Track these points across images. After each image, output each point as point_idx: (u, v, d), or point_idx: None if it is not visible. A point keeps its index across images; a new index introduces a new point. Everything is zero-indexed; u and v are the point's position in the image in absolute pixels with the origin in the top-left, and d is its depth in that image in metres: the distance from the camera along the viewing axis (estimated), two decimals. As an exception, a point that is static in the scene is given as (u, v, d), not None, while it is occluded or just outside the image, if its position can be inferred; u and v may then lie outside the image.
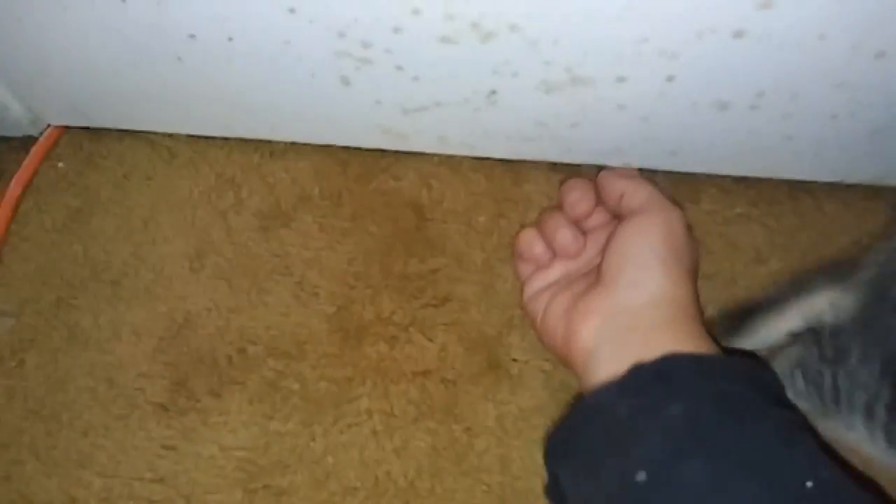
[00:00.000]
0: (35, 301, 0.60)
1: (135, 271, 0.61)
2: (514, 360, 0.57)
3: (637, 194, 0.47)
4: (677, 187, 0.60)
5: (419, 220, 0.60)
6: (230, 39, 0.49)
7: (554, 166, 0.61)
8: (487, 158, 0.61)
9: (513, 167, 0.61)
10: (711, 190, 0.59)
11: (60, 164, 0.64)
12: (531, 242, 0.50)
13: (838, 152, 0.53)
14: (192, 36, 0.49)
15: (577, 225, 0.50)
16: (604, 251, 0.44)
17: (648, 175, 0.54)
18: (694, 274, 0.44)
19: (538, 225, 0.53)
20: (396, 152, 0.62)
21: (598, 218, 0.51)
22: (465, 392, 0.56)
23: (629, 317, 0.38)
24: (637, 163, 0.57)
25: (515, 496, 0.54)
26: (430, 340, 0.57)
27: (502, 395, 0.56)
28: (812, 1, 0.39)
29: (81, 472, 0.55)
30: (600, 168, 0.55)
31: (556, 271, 0.49)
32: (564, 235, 0.47)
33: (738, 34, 0.42)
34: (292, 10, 0.45)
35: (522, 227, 0.55)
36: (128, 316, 0.59)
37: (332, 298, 0.59)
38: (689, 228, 0.45)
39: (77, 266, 0.61)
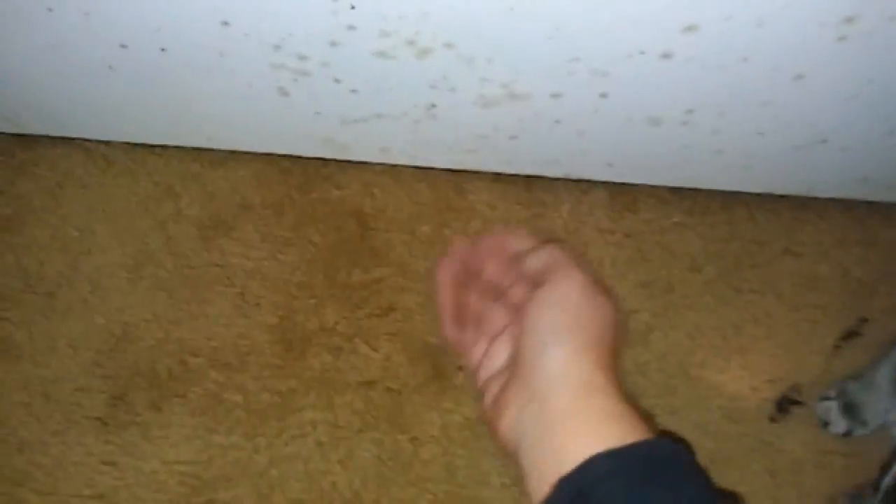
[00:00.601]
0: (-35, 314, 0.58)
1: (70, 282, 0.59)
2: (459, 368, 0.57)
3: (533, 262, 0.42)
4: (615, 198, 0.62)
5: (362, 229, 0.60)
6: (163, 50, 0.48)
7: (497, 176, 0.61)
8: (430, 168, 0.61)
9: (455, 177, 0.62)
10: (649, 200, 0.61)
11: (-10, 172, 0.62)
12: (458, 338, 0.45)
13: (766, 165, 0.55)
14: (124, 46, 0.48)
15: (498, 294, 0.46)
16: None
17: (586, 187, 0.55)
18: (605, 338, 0.39)
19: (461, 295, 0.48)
20: (339, 161, 0.61)
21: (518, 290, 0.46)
22: (409, 401, 0.57)
23: (540, 406, 0.36)
24: (575, 174, 0.58)
25: None
26: (375, 350, 0.58)
27: (447, 404, 0.57)
28: (734, 26, 0.40)
29: (17, 489, 0.54)
30: (538, 178, 0.56)
31: (501, 357, 0.45)
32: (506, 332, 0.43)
33: (666, 55, 0.43)
34: (226, 23, 0.45)
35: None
36: (63, 328, 0.58)
37: (274, 309, 0.58)
38: (596, 285, 0.41)
39: (8, 277, 0.59)
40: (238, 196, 0.61)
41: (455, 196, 0.61)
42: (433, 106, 0.50)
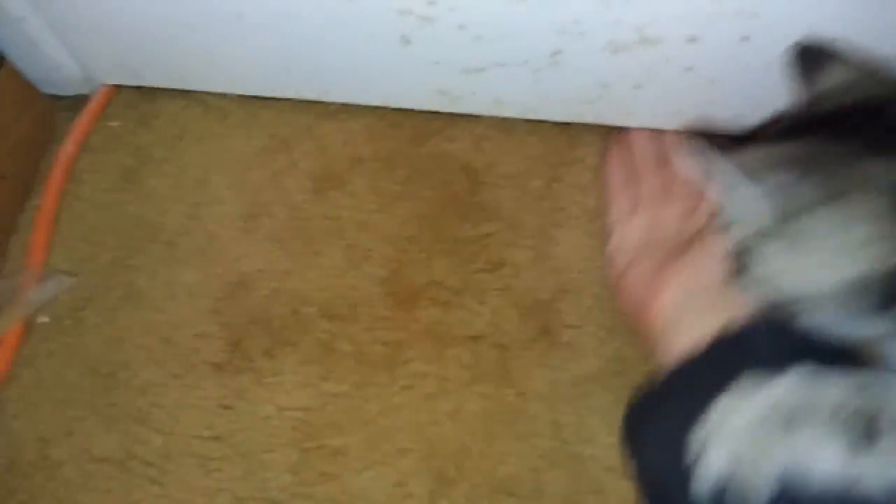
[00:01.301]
0: (91, 261, 0.61)
1: (188, 232, 0.61)
2: (567, 326, 0.56)
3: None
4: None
5: (472, 183, 0.60)
6: (292, -5, 0.48)
7: (610, 130, 0.59)
8: (542, 122, 0.60)
9: (567, 130, 0.60)
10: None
11: (113, 124, 0.65)
12: (621, 184, 0.51)
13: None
14: (252, -7, 0.48)
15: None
16: (689, 222, 0.44)
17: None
18: None
19: (622, 157, 0.52)
20: (450, 114, 0.61)
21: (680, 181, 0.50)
22: (517, 357, 0.56)
23: (709, 291, 0.38)
24: (696, 125, 0.56)
25: (567, 460, 0.54)
26: (483, 305, 0.57)
27: (554, 361, 0.56)
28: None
29: (140, 428, 0.56)
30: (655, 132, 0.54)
31: (640, 226, 0.49)
32: (654, 206, 0.46)
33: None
34: (355, -33, 0.44)
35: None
36: (183, 276, 0.60)
37: (384, 262, 0.59)
38: None
39: (132, 226, 0.61)
40: (349, 149, 0.61)
41: (567, 150, 0.59)
42: (557, 52, 0.49)
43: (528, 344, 0.56)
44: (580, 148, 0.60)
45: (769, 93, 0.50)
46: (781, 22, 0.43)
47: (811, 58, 0.41)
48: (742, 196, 0.36)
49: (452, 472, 0.54)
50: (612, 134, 0.59)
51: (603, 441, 0.54)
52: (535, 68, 0.51)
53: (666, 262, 0.44)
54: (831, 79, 0.40)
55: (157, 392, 0.57)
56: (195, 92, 0.64)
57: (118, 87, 0.65)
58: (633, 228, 0.51)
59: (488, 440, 0.55)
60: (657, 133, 0.53)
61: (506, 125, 0.60)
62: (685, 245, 0.44)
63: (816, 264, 0.35)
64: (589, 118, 0.58)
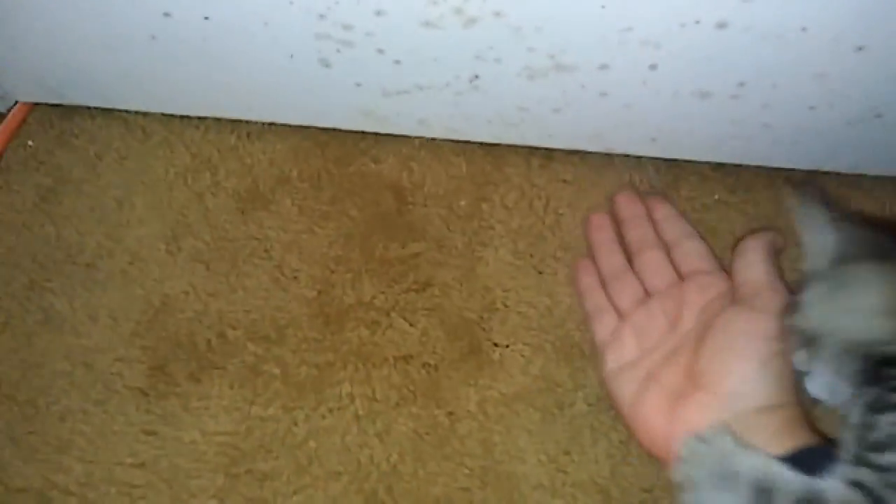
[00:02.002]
0: (7, 284, 0.59)
1: (109, 253, 0.59)
2: (496, 344, 0.57)
3: (749, 272, 0.44)
4: (661, 173, 0.61)
5: (400, 203, 0.60)
6: (206, 18, 0.48)
7: (535, 150, 0.60)
8: (468, 142, 0.60)
9: (493, 151, 0.61)
10: (691, 177, 0.60)
11: (30, 143, 0.63)
12: (600, 306, 0.50)
13: (816, 141, 0.54)
14: (167, 14, 0.48)
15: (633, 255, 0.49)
16: (694, 341, 0.43)
17: (628, 162, 0.54)
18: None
19: (596, 259, 0.52)
20: (377, 135, 0.61)
21: (664, 272, 0.49)
22: (446, 377, 0.57)
23: (736, 426, 0.38)
24: (618, 149, 0.58)
25: (497, 479, 0.55)
26: (412, 325, 0.58)
27: (484, 379, 0.57)
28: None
29: (61, 457, 0.55)
30: (578, 153, 0.55)
31: (631, 343, 0.48)
32: (639, 313, 0.46)
33: (722, 25, 0.42)
34: (271, -9, 0.44)
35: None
36: (104, 299, 0.58)
37: (312, 282, 0.58)
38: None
39: (50, 247, 0.60)
40: (276, 169, 0.61)
41: (493, 171, 0.60)
42: (476, 77, 0.50)
43: (457, 363, 0.57)
44: (506, 168, 0.60)
45: (681, 118, 0.52)
46: (683, 53, 0.44)
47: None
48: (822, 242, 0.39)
49: (383, 494, 0.54)
50: (535, 155, 0.60)
51: (532, 459, 0.55)
52: (456, 91, 0.52)
53: (682, 396, 0.42)
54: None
55: (78, 419, 0.56)
56: (116, 110, 0.62)
57: (35, 104, 0.63)
58: (626, 347, 0.49)
59: (419, 461, 0.55)
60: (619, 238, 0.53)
61: (433, 145, 0.61)
62: (680, 347, 0.44)
63: (847, 313, 0.37)
64: (513, 139, 0.59)
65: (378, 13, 0.45)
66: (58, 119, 0.63)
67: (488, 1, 0.43)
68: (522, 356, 0.57)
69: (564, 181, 0.61)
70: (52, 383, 0.57)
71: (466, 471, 0.54)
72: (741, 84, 0.47)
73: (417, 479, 0.54)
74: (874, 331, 0.36)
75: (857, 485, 0.34)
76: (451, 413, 0.56)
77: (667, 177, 0.61)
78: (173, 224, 0.60)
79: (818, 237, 0.40)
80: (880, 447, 0.34)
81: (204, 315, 0.58)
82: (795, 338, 0.39)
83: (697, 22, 0.42)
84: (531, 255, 0.59)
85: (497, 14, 0.44)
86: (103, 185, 0.61)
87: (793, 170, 0.59)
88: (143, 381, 0.57)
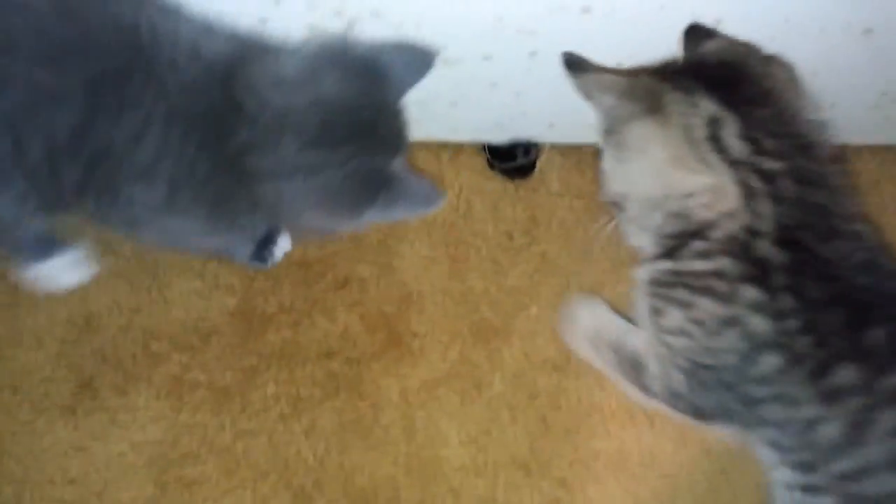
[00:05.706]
0: (-72, 313, 0.59)
1: (31, 276, 0.60)
2: (414, 334, 0.59)
3: None
4: (567, 158, 0.63)
5: (315, 205, 0.61)
6: None
7: (443, 146, 0.62)
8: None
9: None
10: (593, 160, 0.62)
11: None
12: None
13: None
14: None
15: None
16: None
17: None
18: None
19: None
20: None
21: None
22: (368, 370, 0.58)
23: None
24: (520, 137, 0.59)
25: (421, 465, 0.56)
26: (332, 322, 0.59)
27: (404, 369, 0.58)
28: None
29: (-10, 480, 0.55)
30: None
31: None
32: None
33: (586, 10, 0.44)
34: None
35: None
36: (28, 321, 0.59)
37: (233, 290, 0.59)
38: None
39: (-29, 274, 0.60)
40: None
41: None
42: (368, 77, 0.51)
43: (378, 356, 0.58)
44: (415, 163, 0.62)
45: (571, 103, 0.54)
46: (559, 38, 0.46)
47: (696, 34, 0.46)
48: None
49: (310, 489, 0.55)
50: (445, 150, 0.62)
51: (454, 441, 0.57)
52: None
53: None
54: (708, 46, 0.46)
55: (7, 441, 0.56)
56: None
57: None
58: None
59: (344, 453, 0.56)
60: None
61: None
62: None
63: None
64: (420, 135, 0.60)
65: (262, 21, 0.46)
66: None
67: (365, 1, 0.45)
68: (440, 342, 0.58)
69: (474, 171, 0.63)
70: (-21, 408, 0.57)
71: (391, 458, 0.56)
72: (619, 66, 0.50)
73: (343, 471, 0.56)
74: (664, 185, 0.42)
75: None
76: (374, 404, 0.57)
77: (575, 160, 0.63)
78: (93, 241, 0.60)
79: (597, 103, 0.46)
80: None
81: (128, 329, 0.59)
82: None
83: (563, 7, 0.44)
84: (445, 245, 0.61)
85: (375, 13, 0.45)
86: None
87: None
88: (70, 399, 0.57)
